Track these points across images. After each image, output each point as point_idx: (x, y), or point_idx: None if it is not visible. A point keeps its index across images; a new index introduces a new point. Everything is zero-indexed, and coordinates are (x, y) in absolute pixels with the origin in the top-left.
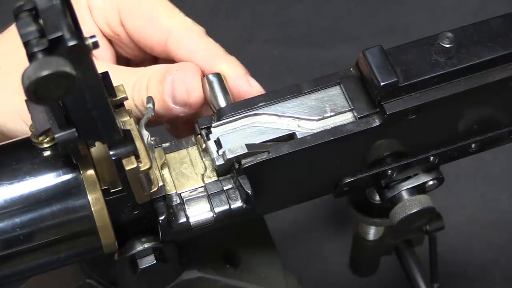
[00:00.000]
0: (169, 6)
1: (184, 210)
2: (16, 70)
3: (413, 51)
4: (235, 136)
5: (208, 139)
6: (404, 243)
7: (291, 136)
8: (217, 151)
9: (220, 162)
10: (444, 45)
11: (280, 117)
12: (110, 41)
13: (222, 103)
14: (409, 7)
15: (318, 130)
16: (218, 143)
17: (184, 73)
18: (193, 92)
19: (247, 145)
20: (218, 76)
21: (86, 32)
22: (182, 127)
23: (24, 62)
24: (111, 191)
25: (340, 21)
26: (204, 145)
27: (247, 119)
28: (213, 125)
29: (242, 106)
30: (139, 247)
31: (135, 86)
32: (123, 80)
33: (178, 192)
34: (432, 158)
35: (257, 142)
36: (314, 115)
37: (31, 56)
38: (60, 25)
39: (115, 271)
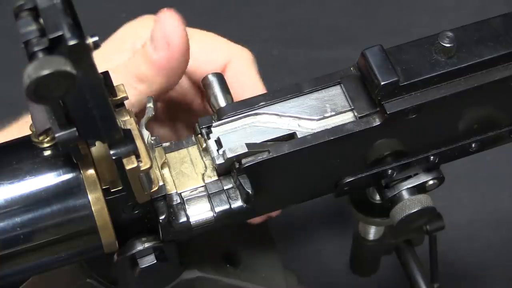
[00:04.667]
0: (221, 39)
1: (185, 210)
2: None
3: (414, 51)
4: (235, 136)
5: (209, 138)
6: (404, 243)
7: (291, 136)
8: (217, 150)
9: (220, 161)
10: (445, 45)
11: (280, 116)
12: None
13: (222, 102)
14: (410, 7)
15: (319, 129)
16: (218, 143)
17: (159, 17)
18: (167, 29)
19: (247, 145)
20: (218, 75)
21: None
22: (182, 130)
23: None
24: (112, 190)
25: (340, 21)
26: (204, 145)
27: (247, 118)
28: (213, 124)
29: (243, 106)
30: (140, 247)
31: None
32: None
33: (179, 192)
34: (432, 157)
35: (257, 141)
36: (315, 115)
37: (31, 56)
38: (61, 25)
39: (115, 270)
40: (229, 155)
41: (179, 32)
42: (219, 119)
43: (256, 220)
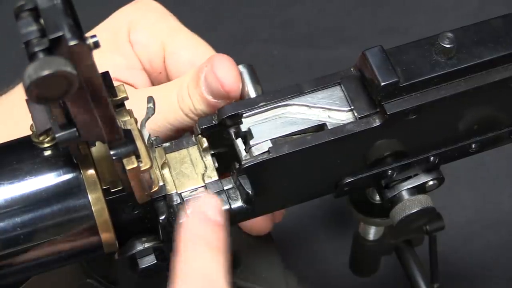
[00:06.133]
0: (212, 52)
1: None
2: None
3: (414, 51)
4: (265, 126)
5: (238, 130)
6: (404, 243)
7: (321, 127)
8: (245, 149)
9: (249, 161)
10: (445, 45)
11: (310, 107)
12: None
13: (253, 94)
14: (410, 8)
15: (348, 121)
16: (249, 133)
17: (212, 65)
18: (225, 80)
19: (272, 140)
20: (248, 67)
21: (129, 66)
22: None
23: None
24: (112, 190)
25: (340, 21)
26: (204, 145)
27: (277, 109)
28: (244, 115)
29: (243, 106)
30: (140, 247)
31: (178, 98)
32: (165, 97)
33: (179, 192)
34: (432, 158)
35: (286, 133)
36: (344, 106)
37: (31, 56)
38: (61, 25)
39: (115, 271)
40: (256, 153)
41: (237, 82)
42: (219, 119)
43: (261, 231)
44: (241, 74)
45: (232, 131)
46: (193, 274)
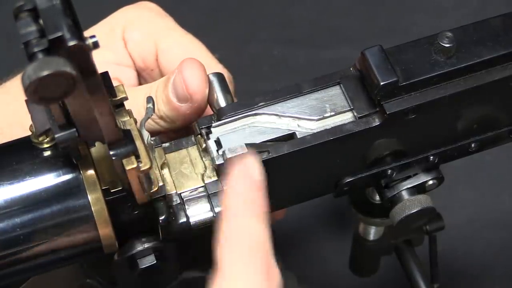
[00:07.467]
0: (206, 53)
1: (184, 210)
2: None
3: (413, 51)
4: (235, 136)
5: (208, 138)
6: (404, 243)
7: (291, 136)
8: (217, 151)
9: (220, 161)
10: (444, 45)
11: (280, 117)
12: (139, 75)
13: (223, 103)
14: (410, 7)
15: (318, 130)
16: (218, 143)
17: (181, 67)
18: (190, 82)
19: (247, 145)
20: (219, 75)
21: (118, 62)
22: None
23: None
24: (111, 191)
25: (340, 21)
26: (204, 145)
27: (247, 119)
28: (213, 125)
29: (242, 106)
30: (139, 247)
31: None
32: (134, 98)
33: (178, 192)
34: (432, 157)
35: (257, 142)
36: (314, 115)
37: (31, 56)
38: (60, 25)
39: (115, 271)
40: (229, 155)
41: (202, 86)
42: (218, 119)
43: None
44: (210, 82)
45: (204, 131)
46: (240, 237)
